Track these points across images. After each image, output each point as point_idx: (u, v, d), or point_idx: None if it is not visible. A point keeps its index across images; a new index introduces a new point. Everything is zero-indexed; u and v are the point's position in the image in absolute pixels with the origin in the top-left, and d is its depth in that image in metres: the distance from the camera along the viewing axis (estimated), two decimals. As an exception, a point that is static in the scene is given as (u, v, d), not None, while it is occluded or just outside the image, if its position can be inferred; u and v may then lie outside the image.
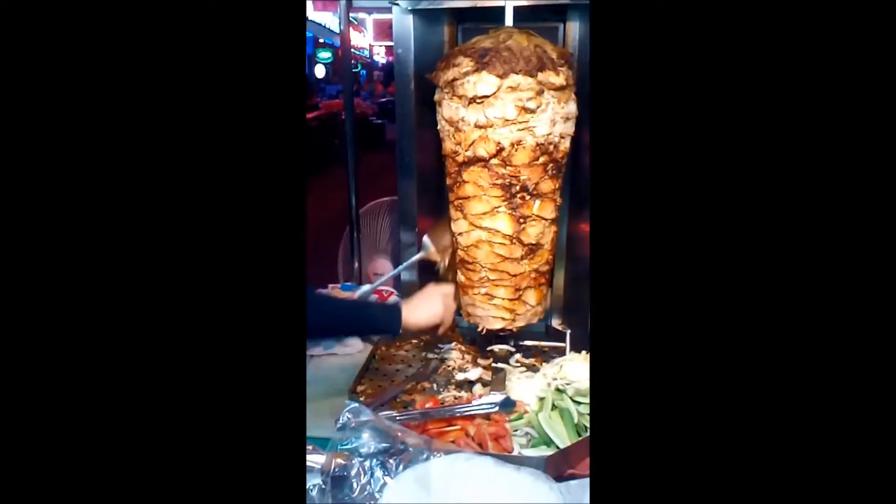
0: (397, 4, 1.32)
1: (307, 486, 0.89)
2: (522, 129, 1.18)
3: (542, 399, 1.14)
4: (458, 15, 1.44)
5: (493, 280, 1.31)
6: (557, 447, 1.03)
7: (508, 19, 1.23)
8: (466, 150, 1.24)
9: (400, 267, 1.52)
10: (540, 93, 1.16)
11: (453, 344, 1.43)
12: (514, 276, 1.29)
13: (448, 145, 1.29)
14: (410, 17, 1.34)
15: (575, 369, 1.22)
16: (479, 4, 1.29)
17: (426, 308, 1.25)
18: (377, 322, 1.23)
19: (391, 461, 0.89)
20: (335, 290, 1.70)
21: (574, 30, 1.38)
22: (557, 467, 0.98)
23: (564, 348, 1.42)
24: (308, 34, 11.36)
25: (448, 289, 1.30)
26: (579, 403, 1.11)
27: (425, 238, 1.46)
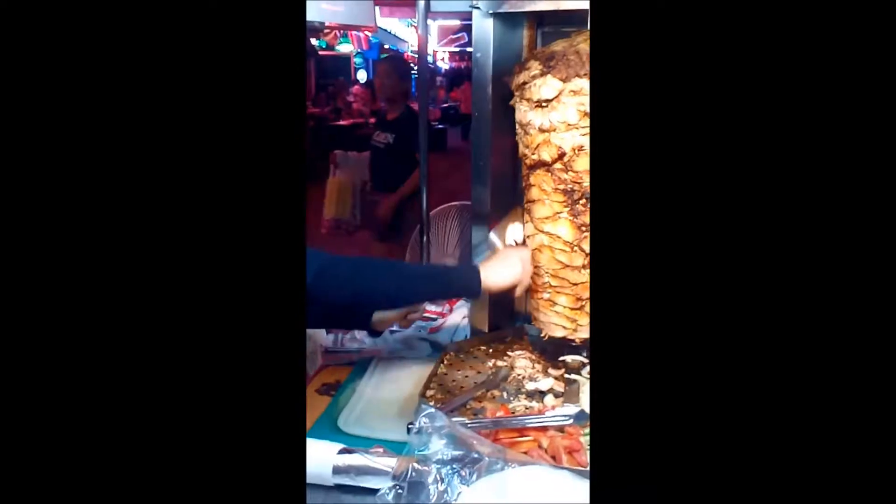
0: (478, 8, 1.31)
1: (380, 490, 0.88)
2: (585, 135, 1.16)
3: (617, 414, 1.10)
4: (539, 18, 1.42)
5: (554, 286, 1.29)
6: (635, 465, 0.99)
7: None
8: (533, 154, 1.23)
9: None
10: None
11: (522, 352, 1.41)
12: (576, 284, 1.26)
13: (520, 148, 1.29)
14: (490, 20, 1.33)
15: (652, 384, 1.18)
16: (561, 7, 1.26)
17: (505, 269, 1.25)
18: (458, 284, 1.24)
19: (465, 470, 0.87)
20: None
21: (658, 34, 1.34)
22: (635, 486, 0.95)
23: (638, 362, 1.37)
24: (374, 40, 11.56)
25: (525, 251, 1.30)
26: (658, 420, 1.07)
27: (491, 234, 1.44)
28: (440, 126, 10.08)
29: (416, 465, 0.86)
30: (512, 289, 1.29)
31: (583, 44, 1.15)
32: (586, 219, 1.21)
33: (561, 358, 1.39)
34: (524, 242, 1.37)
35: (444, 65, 14.66)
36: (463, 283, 1.22)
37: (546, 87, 1.15)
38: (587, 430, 1.07)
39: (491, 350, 1.43)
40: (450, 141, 9.45)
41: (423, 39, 1.72)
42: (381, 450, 0.99)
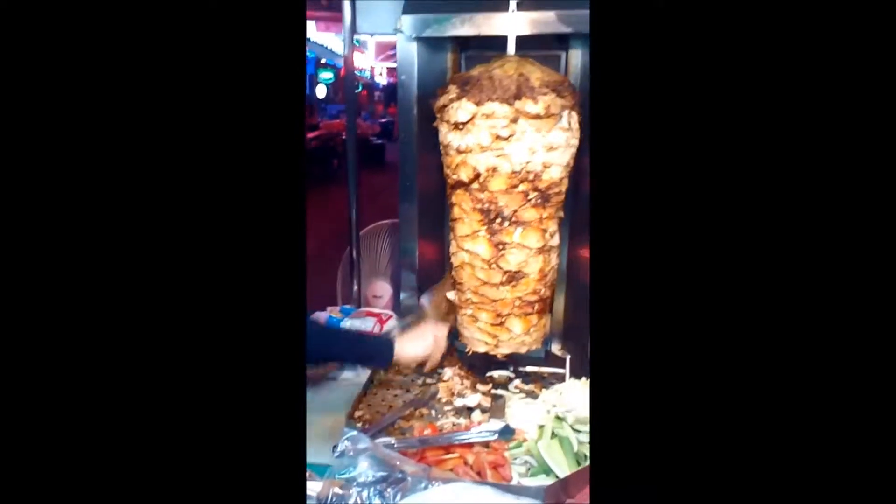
0: (401, 31, 1.33)
1: (303, 515, 0.88)
2: (499, 156, 1.20)
3: (541, 427, 1.13)
4: (462, 43, 1.46)
5: (475, 303, 1.32)
6: (557, 476, 1.02)
7: (511, 48, 1.25)
8: (453, 174, 1.27)
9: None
10: (514, 120, 1.17)
11: (452, 369, 1.42)
12: (495, 301, 1.30)
13: (444, 169, 1.32)
14: (414, 44, 1.35)
15: (575, 396, 1.22)
16: (482, 34, 1.30)
17: (418, 343, 1.27)
18: (370, 353, 1.25)
19: (389, 490, 0.88)
20: (333, 312, 1.70)
21: (576, 59, 1.39)
22: (556, 497, 0.97)
23: (564, 374, 1.41)
24: (310, 55, 11.47)
25: (442, 329, 1.32)
26: (579, 431, 1.10)
27: (422, 298, 1.46)
28: (379, 141, 10.09)
29: (336, 488, 0.86)
30: (421, 365, 1.31)
31: (498, 69, 1.19)
32: (503, 237, 1.25)
33: (488, 374, 1.41)
34: (452, 308, 1.40)
35: (382, 80, 14.70)
36: (375, 353, 1.23)
37: (461, 110, 1.19)
38: (511, 445, 1.10)
39: (421, 368, 1.44)
40: (389, 156, 9.46)
41: (350, 56, 1.73)
42: (308, 474, 0.98)
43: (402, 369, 1.41)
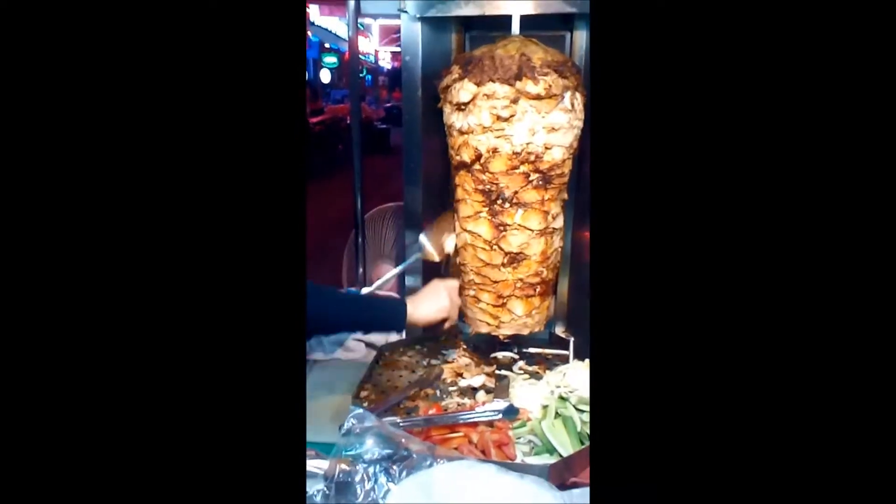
0: (405, 12, 1.33)
1: (310, 492, 0.89)
2: (499, 137, 1.20)
3: (545, 407, 1.14)
4: (466, 23, 1.45)
5: (478, 284, 1.33)
6: (560, 455, 1.03)
7: (515, 28, 1.24)
8: (456, 155, 1.27)
9: (397, 269, 1.51)
10: (515, 101, 1.16)
11: (457, 350, 1.43)
12: (496, 282, 1.30)
13: (449, 150, 1.32)
14: (418, 24, 1.34)
15: (578, 377, 1.22)
16: (487, 13, 1.30)
17: (431, 303, 1.24)
18: (382, 318, 1.21)
19: (395, 467, 0.89)
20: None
21: (581, 39, 1.38)
22: (560, 475, 0.98)
23: (568, 356, 1.42)
24: (314, 39, 11.41)
25: (452, 283, 1.31)
26: (582, 412, 1.11)
27: (421, 237, 1.45)
28: (384, 126, 10.06)
29: (343, 465, 0.87)
30: (439, 324, 1.27)
31: (500, 49, 1.18)
32: (504, 218, 1.25)
33: (493, 355, 1.42)
34: (455, 252, 1.39)
35: (386, 64, 14.62)
36: (387, 317, 1.18)
37: (463, 90, 1.19)
38: (515, 424, 1.11)
39: (426, 349, 1.45)
40: (394, 141, 9.44)
41: (355, 39, 1.72)
42: (314, 453, 1.00)
43: (418, 332, 1.35)
